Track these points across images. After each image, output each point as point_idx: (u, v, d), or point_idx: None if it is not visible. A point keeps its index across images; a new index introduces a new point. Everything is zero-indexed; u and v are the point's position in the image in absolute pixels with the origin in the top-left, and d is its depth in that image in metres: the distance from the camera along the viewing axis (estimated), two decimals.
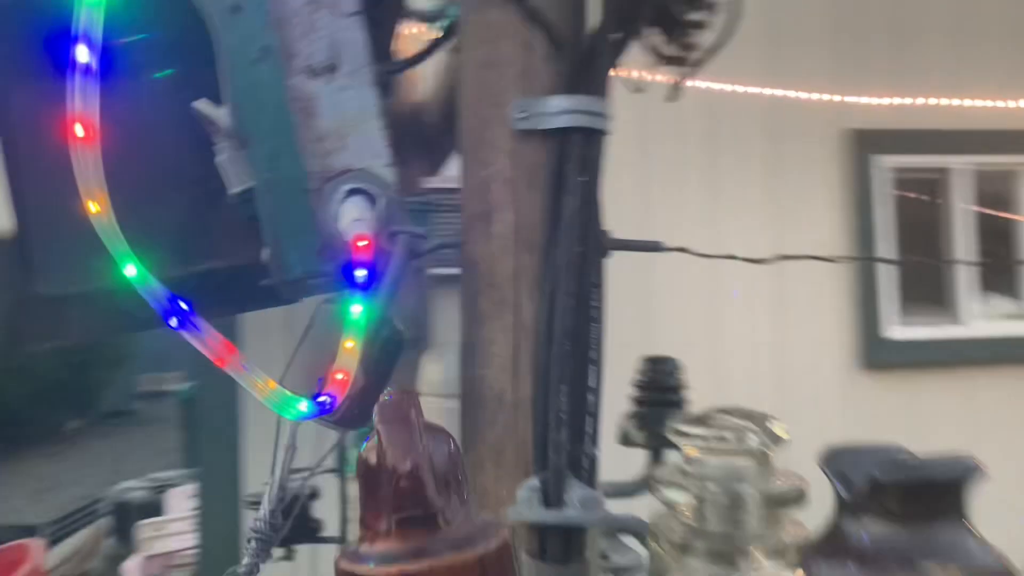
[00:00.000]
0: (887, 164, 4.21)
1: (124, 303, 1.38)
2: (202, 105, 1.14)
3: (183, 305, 0.66)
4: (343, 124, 1.03)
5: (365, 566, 0.63)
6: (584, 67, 0.89)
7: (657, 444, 1.42)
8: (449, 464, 0.66)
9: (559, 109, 0.88)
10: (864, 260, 3.83)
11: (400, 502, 0.62)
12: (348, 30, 1.04)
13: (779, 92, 3.82)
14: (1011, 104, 4.06)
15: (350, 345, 0.83)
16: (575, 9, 0.92)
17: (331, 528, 2.04)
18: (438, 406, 1.12)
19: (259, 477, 3.91)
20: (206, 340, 0.68)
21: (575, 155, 0.88)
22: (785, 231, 4.17)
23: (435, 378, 1.13)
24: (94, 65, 0.61)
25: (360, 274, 0.89)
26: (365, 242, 0.92)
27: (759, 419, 0.81)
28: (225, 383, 3.85)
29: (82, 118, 0.59)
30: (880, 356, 4.25)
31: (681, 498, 0.81)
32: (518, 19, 0.90)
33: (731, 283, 3.95)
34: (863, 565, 0.57)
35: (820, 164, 4.23)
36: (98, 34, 0.61)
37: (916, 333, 4.31)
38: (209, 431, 4.04)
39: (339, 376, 0.79)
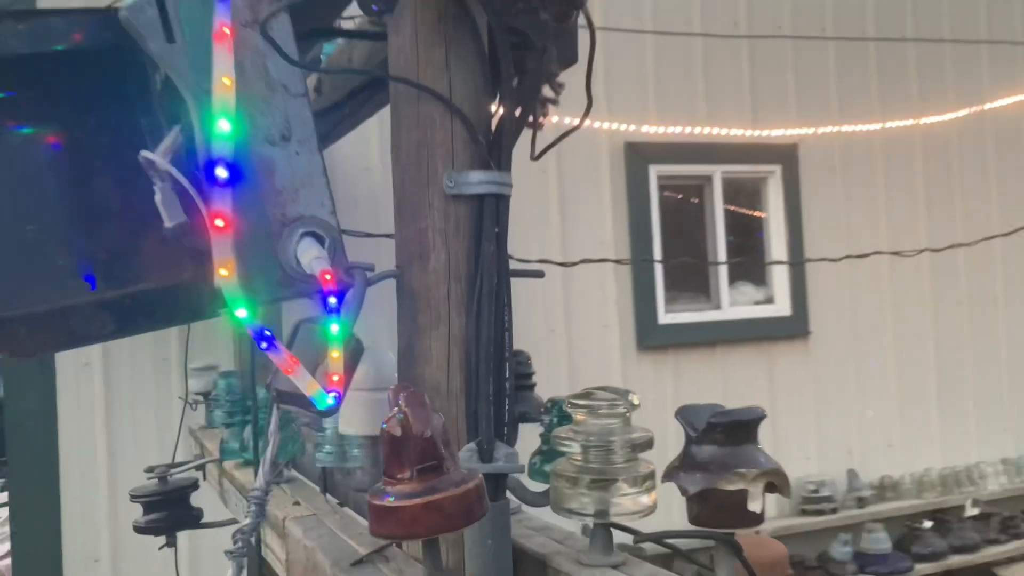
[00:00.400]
0: (658, 172, 4.87)
1: (67, 322, 1.59)
2: (145, 153, 1.38)
3: (268, 332, 0.94)
4: (296, 181, 1.31)
5: (398, 501, 0.95)
6: (493, 149, 1.25)
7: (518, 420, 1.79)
8: (443, 431, 1.00)
9: (477, 180, 1.23)
10: (647, 263, 4.42)
11: (421, 457, 0.96)
12: (298, 108, 1.32)
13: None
14: (757, 133, 4.85)
15: (336, 355, 1.13)
16: (484, 106, 1.27)
17: (212, 515, 2.26)
18: (368, 398, 1.43)
19: (78, 487, 3.90)
20: (282, 356, 0.96)
21: (490, 213, 1.23)
22: (575, 230, 4.72)
23: (362, 376, 1.43)
24: (227, 178, 0.88)
25: (332, 301, 1.19)
26: (329, 275, 1.22)
27: (623, 393, 1.21)
28: (39, 393, 3.85)
29: (221, 215, 0.86)
30: (654, 338, 4.91)
31: (573, 447, 1.20)
32: (444, 112, 1.24)
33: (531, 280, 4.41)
34: (705, 473, 0.98)
35: (602, 173, 4.82)
36: (229, 156, 0.88)
37: (683, 318, 5.02)
38: (19, 442, 3.95)
39: (335, 378, 1.10)
